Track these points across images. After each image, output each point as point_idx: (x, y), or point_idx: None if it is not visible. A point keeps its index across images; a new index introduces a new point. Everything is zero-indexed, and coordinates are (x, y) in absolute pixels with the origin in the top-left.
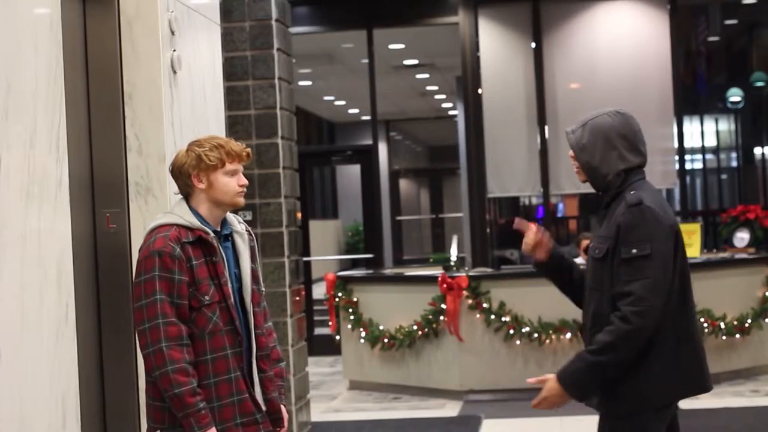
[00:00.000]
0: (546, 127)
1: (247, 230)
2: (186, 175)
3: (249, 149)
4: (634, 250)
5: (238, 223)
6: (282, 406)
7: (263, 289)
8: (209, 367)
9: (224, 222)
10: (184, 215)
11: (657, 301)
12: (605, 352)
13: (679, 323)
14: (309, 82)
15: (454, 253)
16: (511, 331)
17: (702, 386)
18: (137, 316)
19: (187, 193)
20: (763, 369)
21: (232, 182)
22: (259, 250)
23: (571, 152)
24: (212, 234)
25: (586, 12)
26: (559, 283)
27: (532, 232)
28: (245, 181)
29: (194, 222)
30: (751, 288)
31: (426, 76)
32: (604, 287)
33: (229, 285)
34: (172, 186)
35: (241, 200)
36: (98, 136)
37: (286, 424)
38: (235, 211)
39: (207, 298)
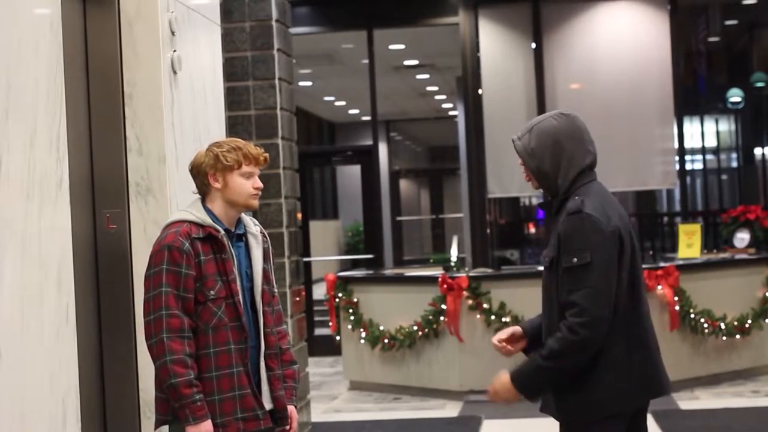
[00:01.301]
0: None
1: (262, 232)
2: (203, 174)
3: (267, 154)
4: (575, 259)
5: (253, 225)
6: (292, 407)
7: (276, 290)
8: (211, 360)
9: (239, 222)
10: (196, 213)
11: (601, 310)
12: (554, 359)
13: (631, 329)
14: (309, 83)
15: (454, 254)
16: None
17: (657, 391)
18: (144, 308)
19: (203, 192)
20: (763, 369)
21: (247, 184)
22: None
23: (520, 160)
24: (222, 232)
25: (586, 12)
26: None
27: (498, 344)
28: (260, 185)
29: (206, 219)
30: (751, 288)
31: (426, 76)
32: (553, 295)
33: (238, 282)
34: (172, 186)
35: (255, 203)
36: (98, 137)
37: (294, 424)
38: None
39: (213, 293)
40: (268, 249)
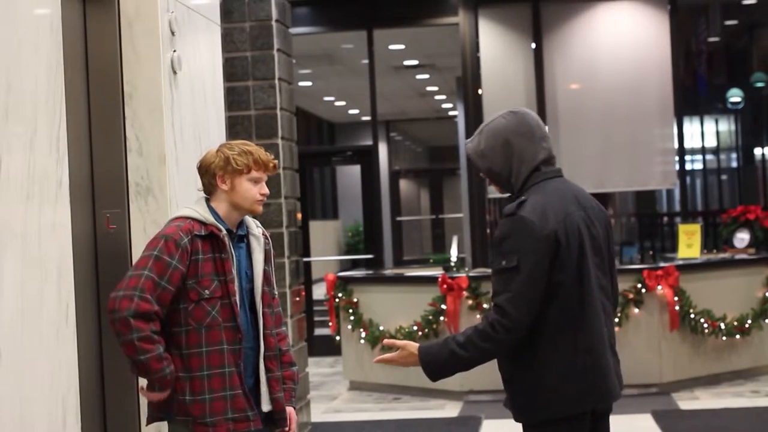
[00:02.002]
0: (546, 128)
1: (264, 234)
2: (212, 174)
3: (276, 161)
4: (504, 262)
5: (255, 227)
6: (291, 409)
7: (276, 292)
8: (203, 359)
9: (241, 224)
10: (200, 210)
11: (520, 316)
12: (467, 349)
13: (578, 333)
14: (309, 83)
15: (454, 254)
16: None
17: (600, 398)
18: (119, 284)
19: (209, 191)
20: (763, 369)
21: (253, 189)
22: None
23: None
24: (224, 231)
25: (586, 12)
26: None
27: None
28: (267, 191)
29: (208, 218)
30: (751, 288)
31: (426, 76)
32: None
33: (236, 283)
34: (172, 186)
35: (259, 208)
36: (98, 137)
37: (294, 425)
38: None
39: (207, 292)
40: (270, 251)
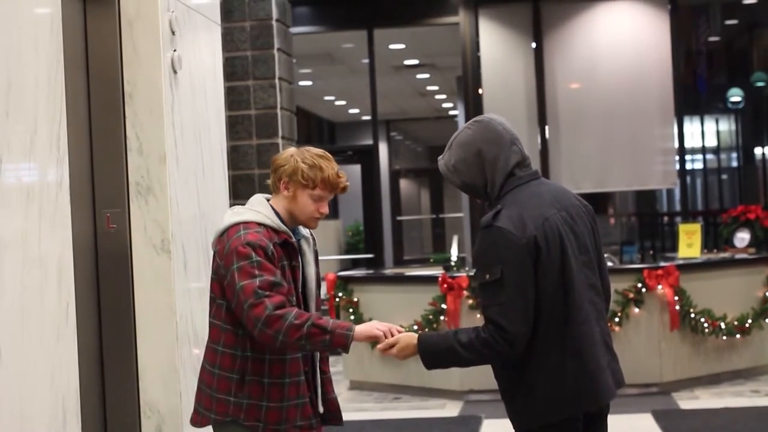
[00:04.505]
0: (546, 127)
1: (312, 235)
2: (278, 177)
3: (348, 183)
4: (487, 275)
5: (302, 228)
6: None
7: (321, 296)
8: (285, 366)
9: (295, 228)
10: (270, 216)
11: (515, 326)
12: (469, 351)
13: (566, 337)
14: (309, 82)
15: (454, 253)
16: None
17: (592, 401)
18: (240, 297)
19: (274, 189)
20: (763, 369)
21: (312, 206)
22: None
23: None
24: (294, 239)
25: (586, 12)
26: None
27: None
28: (326, 210)
29: (281, 225)
30: (751, 288)
31: (426, 76)
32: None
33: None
34: (172, 186)
35: (315, 224)
36: (98, 136)
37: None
38: None
39: (292, 299)
40: (317, 252)
